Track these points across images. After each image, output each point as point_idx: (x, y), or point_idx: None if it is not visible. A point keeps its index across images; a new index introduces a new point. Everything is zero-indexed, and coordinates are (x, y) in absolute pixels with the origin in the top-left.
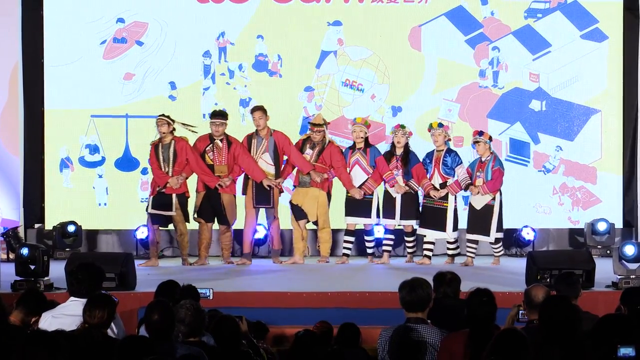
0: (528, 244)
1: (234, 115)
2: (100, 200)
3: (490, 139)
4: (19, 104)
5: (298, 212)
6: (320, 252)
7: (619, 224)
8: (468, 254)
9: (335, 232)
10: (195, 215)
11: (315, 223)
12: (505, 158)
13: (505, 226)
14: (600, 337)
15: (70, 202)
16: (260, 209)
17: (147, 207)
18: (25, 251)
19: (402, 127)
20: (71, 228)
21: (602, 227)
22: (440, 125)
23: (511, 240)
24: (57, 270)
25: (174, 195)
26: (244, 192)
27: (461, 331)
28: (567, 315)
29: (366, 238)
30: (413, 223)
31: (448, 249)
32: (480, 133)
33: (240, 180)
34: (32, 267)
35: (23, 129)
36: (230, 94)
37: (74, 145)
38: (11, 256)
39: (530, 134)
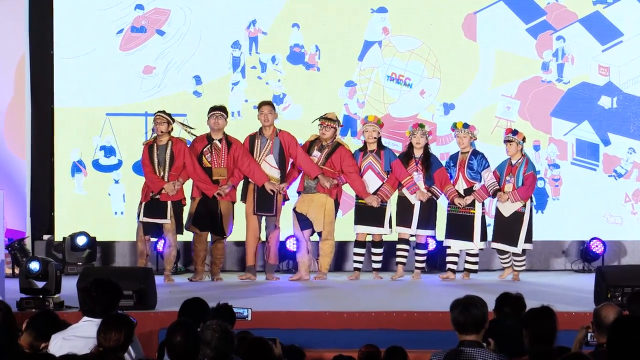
0: (597, 258)
1: None
2: (117, 208)
3: (524, 139)
4: (26, 101)
5: (303, 222)
6: (319, 266)
7: None
8: (510, 265)
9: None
10: (190, 224)
11: (319, 233)
12: (571, 161)
13: (571, 238)
14: None
15: (83, 210)
16: (262, 217)
17: (139, 214)
18: (35, 266)
19: (422, 126)
20: (83, 240)
21: None
22: (466, 125)
23: (578, 254)
24: (68, 286)
25: (169, 202)
26: (244, 199)
27: (521, 359)
28: None
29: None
30: (430, 233)
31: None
32: (515, 132)
33: (239, 186)
34: (41, 283)
35: (30, 129)
36: (262, 89)
37: (88, 147)
38: (17, 271)
39: (599, 135)
